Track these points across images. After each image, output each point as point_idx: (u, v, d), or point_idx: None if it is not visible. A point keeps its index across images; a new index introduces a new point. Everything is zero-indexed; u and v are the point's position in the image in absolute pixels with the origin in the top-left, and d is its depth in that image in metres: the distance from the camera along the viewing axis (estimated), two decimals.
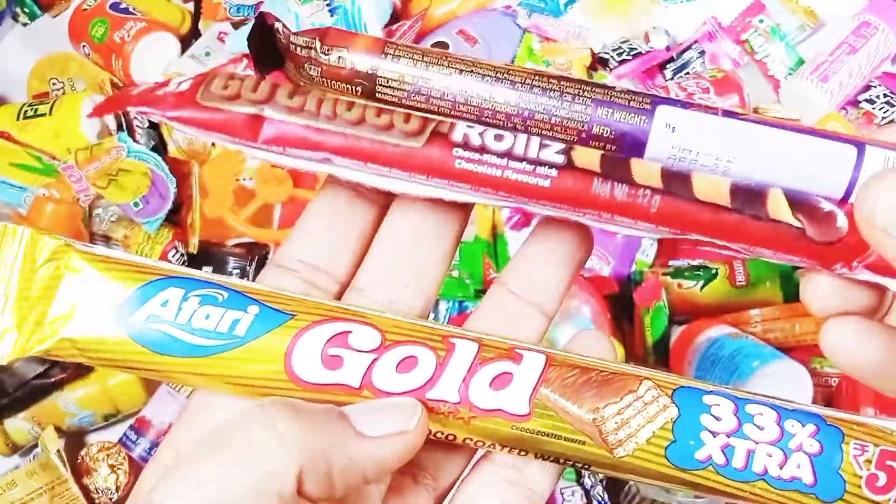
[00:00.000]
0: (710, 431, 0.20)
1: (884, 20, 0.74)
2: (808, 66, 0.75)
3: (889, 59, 0.76)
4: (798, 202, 0.20)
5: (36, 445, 0.66)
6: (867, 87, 0.75)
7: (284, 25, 0.20)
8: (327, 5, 0.75)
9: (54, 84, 0.81)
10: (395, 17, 0.81)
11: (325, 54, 0.20)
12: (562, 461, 0.21)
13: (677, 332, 0.69)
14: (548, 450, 0.20)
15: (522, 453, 0.21)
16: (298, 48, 0.20)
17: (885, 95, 0.74)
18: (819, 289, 0.21)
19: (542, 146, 0.20)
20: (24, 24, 0.89)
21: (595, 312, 0.64)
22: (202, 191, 0.73)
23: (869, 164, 0.19)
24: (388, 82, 0.20)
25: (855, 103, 0.75)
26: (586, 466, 0.21)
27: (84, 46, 0.81)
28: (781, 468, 0.20)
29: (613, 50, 0.79)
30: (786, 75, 0.77)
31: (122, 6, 0.80)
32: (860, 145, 0.19)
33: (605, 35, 0.81)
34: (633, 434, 0.20)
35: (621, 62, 0.78)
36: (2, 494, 0.62)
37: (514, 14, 0.83)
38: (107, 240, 0.73)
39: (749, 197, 0.19)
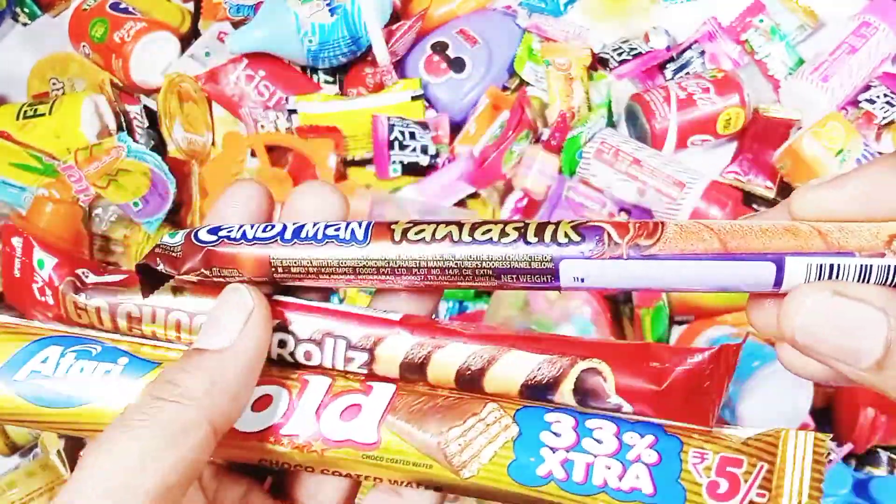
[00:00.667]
0: (550, 447, 0.20)
1: (884, 20, 0.74)
2: (808, 66, 0.75)
3: (889, 59, 0.76)
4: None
5: (36, 446, 0.66)
6: (867, 87, 0.75)
7: (166, 265, 0.22)
8: (327, 5, 0.75)
9: (54, 84, 0.81)
10: (396, 16, 0.81)
11: (219, 275, 0.22)
12: (415, 485, 0.21)
13: (677, 332, 0.69)
14: (398, 476, 0.21)
15: (377, 480, 0.21)
16: (189, 275, 0.22)
17: (885, 95, 0.74)
18: (762, 312, 0.21)
19: (346, 360, 0.22)
20: (24, 24, 0.89)
21: (595, 312, 0.64)
22: (202, 191, 0.73)
23: (790, 278, 0.19)
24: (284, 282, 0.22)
25: (855, 103, 0.75)
26: (438, 489, 0.21)
27: (84, 46, 0.81)
28: (621, 479, 0.20)
29: (613, 50, 0.79)
30: (786, 75, 0.77)
31: (122, 6, 0.80)
32: (779, 261, 0.19)
33: (605, 35, 0.81)
34: (476, 455, 0.20)
35: (621, 62, 0.78)
36: (2, 494, 0.62)
37: (514, 14, 0.83)
38: (107, 240, 0.73)
39: (539, 390, 0.21)
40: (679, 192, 0.68)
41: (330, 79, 0.81)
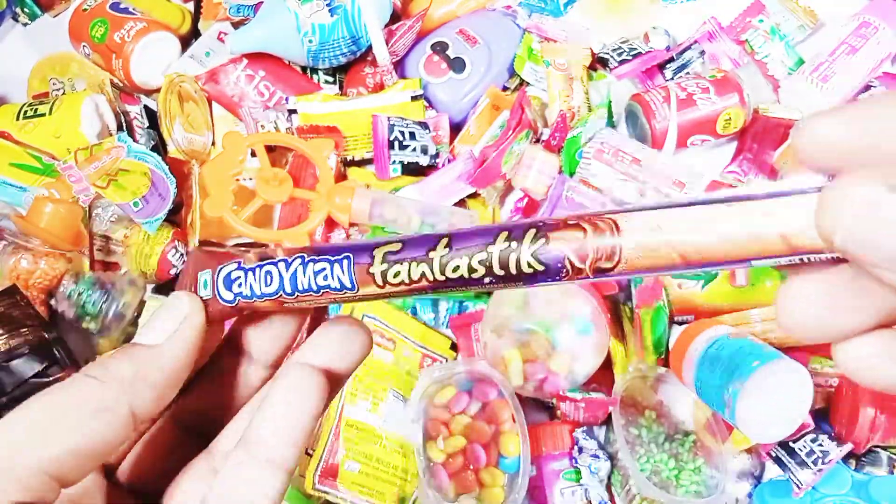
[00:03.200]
0: None
1: (884, 20, 0.74)
2: (807, 66, 0.75)
3: (889, 59, 0.76)
4: None
5: None
6: (867, 87, 0.75)
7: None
8: (327, 5, 0.75)
9: (54, 84, 0.81)
10: (396, 16, 0.81)
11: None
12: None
13: (677, 332, 0.69)
14: None
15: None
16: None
17: None
18: (800, 301, 0.18)
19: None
20: (25, 24, 0.89)
21: (595, 312, 0.64)
22: (202, 191, 0.73)
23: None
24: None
25: None
26: None
27: (84, 46, 0.80)
28: None
29: (613, 50, 0.79)
30: (786, 75, 0.77)
31: (122, 6, 0.80)
32: (745, 262, 0.19)
33: (605, 35, 0.81)
34: None
35: (621, 62, 0.78)
36: None
37: (514, 14, 0.83)
38: (107, 240, 0.73)
39: None
40: (679, 192, 0.68)
41: (330, 79, 0.81)
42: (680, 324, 0.70)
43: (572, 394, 0.65)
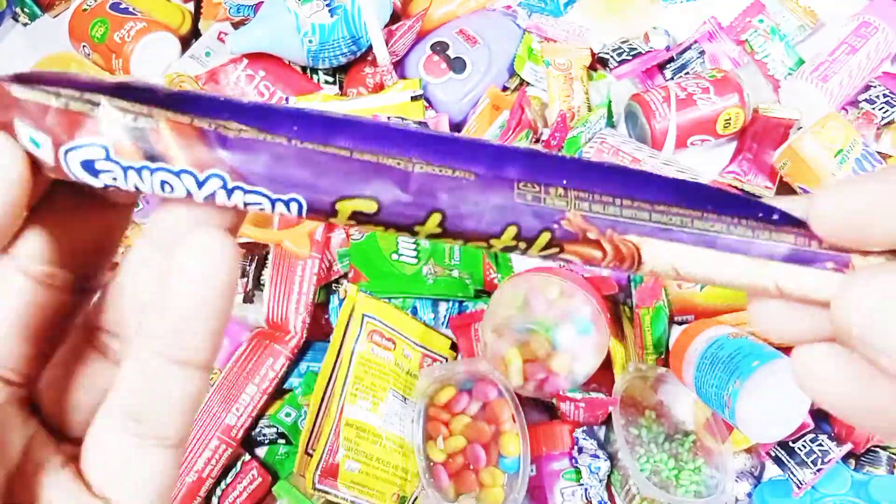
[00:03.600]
0: None
1: (884, 20, 0.74)
2: (808, 66, 0.75)
3: (889, 59, 0.76)
4: None
5: None
6: (867, 87, 0.75)
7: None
8: (327, 5, 0.75)
9: None
10: (396, 16, 0.81)
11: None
12: None
13: (677, 332, 0.69)
14: None
15: None
16: None
17: (884, 95, 0.74)
18: (768, 310, 0.19)
19: None
20: (25, 24, 0.89)
21: (595, 312, 0.64)
22: None
23: None
24: None
25: (855, 103, 0.75)
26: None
27: (84, 46, 0.81)
28: None
29: (613, 50, 0.79)
30: (785, 75, 0.77)
31: (123, 6, 0.80)
32: None
33: (605, 35, 0.81)
34: None
35: (621, 62, 0.78)
36: None
37: (514, 14, 0.83)
38: None
39: None
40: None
41: (330, 79, 0.81)
42: (680, 324, 0.70)
43: (572, 394, 0.65)
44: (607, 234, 0.17)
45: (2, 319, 0.18)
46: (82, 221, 0.19)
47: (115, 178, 0.16)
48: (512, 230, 0.17)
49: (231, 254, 0.17)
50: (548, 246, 0.17)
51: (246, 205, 0.17)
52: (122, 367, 0.18)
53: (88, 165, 0.16)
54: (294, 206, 0.17)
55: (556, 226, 0.17)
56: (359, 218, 0.17)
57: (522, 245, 0.17)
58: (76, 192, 0.18)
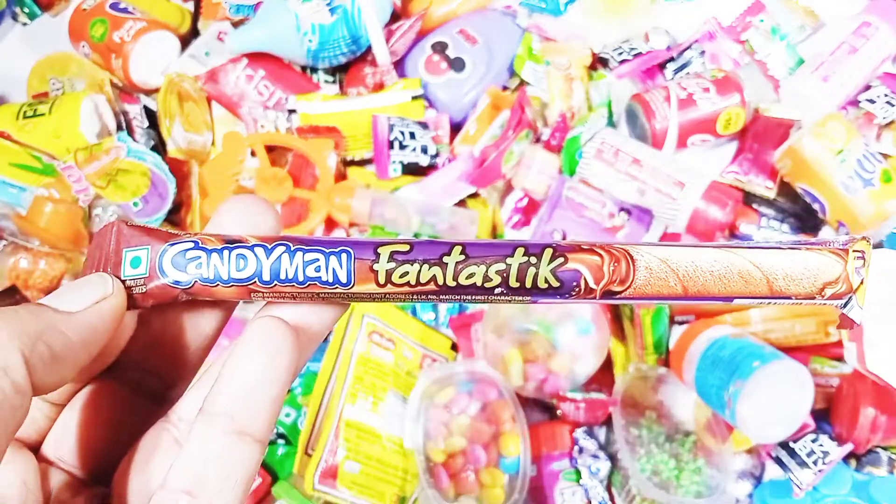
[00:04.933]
0: None
1: (884, 20, 0.74)
2: (808, 66, 0.75)
3: (889, 58, 0.76)
4: None
5: None
6: (867, 87, 0.75)
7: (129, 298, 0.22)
8: (327, 5, 0.75)
9: (54, 84, 0.81)
10: (396, 16, 0.81)
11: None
12: None
13: (678, 332, 0.69)
14: None
15: None
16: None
17: (885, 95, 0.74)
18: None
19: None
20: (24, 24, 0.89)
21: (595, 312, 0.64)
22: (202, 191, 0.73)
23: (737, 304, 0.22)
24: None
25: (855, 103, 0.75)
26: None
27: (83, 46, 0.80)
28: None
29: (614, 50, 0.79)
30: (786, 75, 0.77)
31: (122, 6, 0.80)
32: (728, 299, 0.22)
33: (605, 35, 0.81)
34: None
35: (621, 62, 0.78)
36: None
37: (514, 14, 0.83)
38: None
39: None
40: (679, 192, 0.68)
41: (330, 78, 0.81)
42: (680, 324, 0.70)
43: (573, 394, 0.65)
44: (598, 244, 0.21)
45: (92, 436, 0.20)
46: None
47: (199, 265, 0.21)
48: (521, 250, 0.21)
49: (291, 338, 0.20)
50: (553, 257, 0.21)
51: (305, 263, 0.21)
52: (189, 438, 0.19)
53: (179, 260, 0.21)
54: (344, 255, 0.21)
55: (554, 244, 0.21)
56: (396, 258, 0.21)
57: (534, 259, 0.21)
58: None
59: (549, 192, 0.74)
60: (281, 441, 0.68)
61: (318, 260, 0.21)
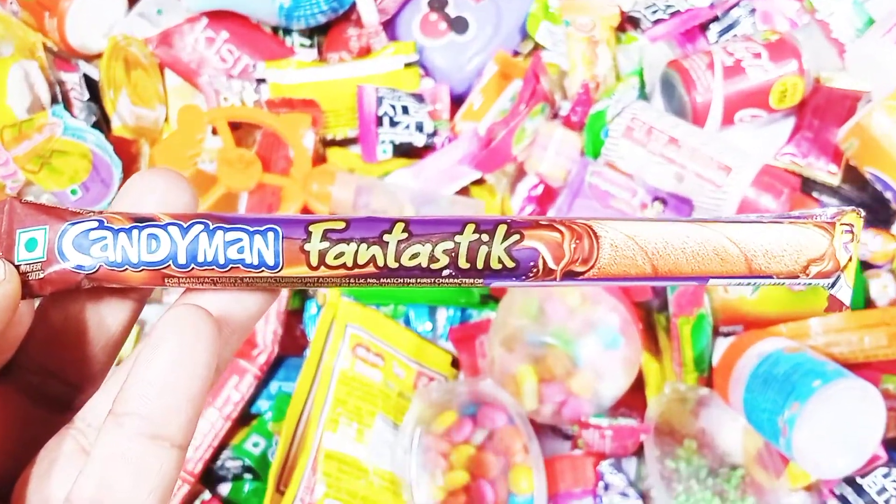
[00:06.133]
0: None
1: None
2: (879, 27, 0.75)
3: None
4: None
5: None
6: None
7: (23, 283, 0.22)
8: None
9: None
10: None
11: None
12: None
13: (723, 345, 0.69)
14: None
15: None
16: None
17: None
18: None
19: None
20: None
21: (623, 322, 0.64)
22: None
23: (712, 284, 0.24)
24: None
25: None
26: None
27: (10, 2, 0.80)
28: None
29: (646, 7, 0.79)
30: (853, 38, 0.77)
31: None
32: (703, 279, 0.23)
33: None
34: None
35: (656, 22, 0.78)
36: None
37: None
38: None
39: None
40: (724, 178, 0.68)
41: (306, 42, 0.81)
42: (726, 335, 0.70)
43: (597, 420, 0.65)
44: (558, 220, 0.22)
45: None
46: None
47: (105, 247, 0.21)
48: (471, 226, 0.22)
49: (210, 326, 0.20)
50: (507, 234, 0.22)
51: (226, 243, 0.22)
52: (97, 444, 0.20)
53: (81, 241, 0.21)
54: (270, 234, 0.22)
55: (509, 220, 0.22)
56: (330, 236, 0.22)
57: (485, 237, 0.22)
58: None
59: (569, 178, 0.74)
60: (248, 476, 0.68)
61: (241, 240, 0.22)
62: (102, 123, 0.78)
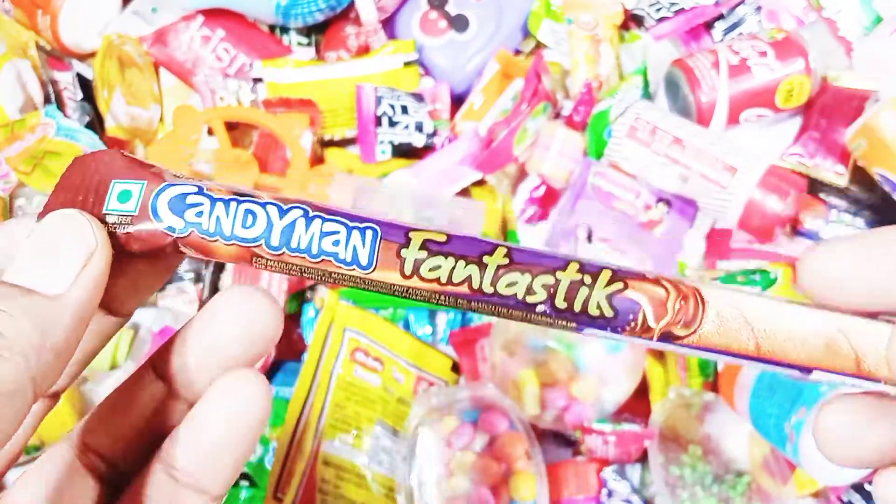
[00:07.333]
0: None
1: None
2: (887, 25, 0.75)
3: None
4: None
5: None
6: None
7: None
8: None
9: None
10: None
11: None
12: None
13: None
14: None
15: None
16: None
17: None
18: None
19: None
20: None
21: None
22: None
23: (816, 377, 0.22)
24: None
25: None
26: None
27: (2, 0, 0.80)
28: None
29: (650, 5, 0.79)
30: (861, 36, 0.77)
31: None
32: (807, 370, 0.21)
33: None
34: None
35: (660, 20, 0.78)
36: None
37: None
38: None
39: None
40: (730, 179, 0.68)
41: (304, 40, 0.81)
42: None
43: (600, 425, 0.65)
44: (664, 277, 0.21)
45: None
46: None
47: (200, 213, 0.21)
48: (575, 265, 0.21)
49: (264, 395, 0.21)
50: (611, 281, 0.21)
51: (323, 234, 0.21)
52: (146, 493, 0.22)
53: (177, 203, 0.21)
54: (369, 232, 0.21)
55: (614, 267, 0.21)
56: (429, 246, 0.21)
57: (588, 279, 0.21)
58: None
59: (572, 179, 0.74)
60: (244, 483, 0.68)
61: (338, 233, 0.21)
62: (96, 124, 0.78)
